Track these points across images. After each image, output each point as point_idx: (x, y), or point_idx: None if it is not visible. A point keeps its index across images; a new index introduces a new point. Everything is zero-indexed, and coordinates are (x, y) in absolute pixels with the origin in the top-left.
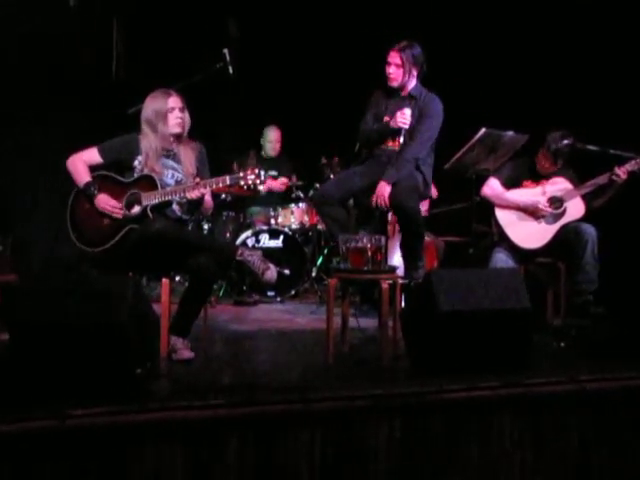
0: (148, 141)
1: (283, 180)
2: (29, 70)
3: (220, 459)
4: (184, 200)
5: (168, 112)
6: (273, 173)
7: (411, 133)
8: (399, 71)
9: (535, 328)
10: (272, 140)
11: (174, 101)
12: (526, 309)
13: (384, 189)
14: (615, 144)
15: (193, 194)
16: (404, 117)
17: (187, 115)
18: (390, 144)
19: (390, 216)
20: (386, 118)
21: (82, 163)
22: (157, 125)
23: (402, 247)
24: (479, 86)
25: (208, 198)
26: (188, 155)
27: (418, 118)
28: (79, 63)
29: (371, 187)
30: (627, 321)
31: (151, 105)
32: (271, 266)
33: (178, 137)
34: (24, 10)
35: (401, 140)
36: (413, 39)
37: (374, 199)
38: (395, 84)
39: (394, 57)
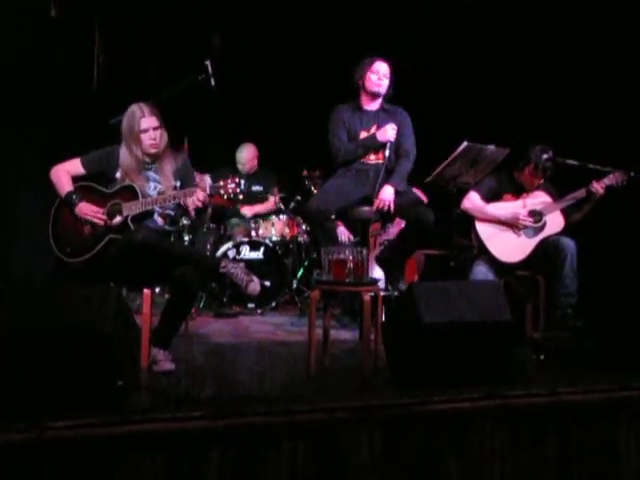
0: (126, 155)
1: (271, 201)
2: (9, 80)
3: (202, 471)
4: (166, 212)
5: (141, 134)
6: (258, 188)
7: (396, 147)
8: (387, 82)
9: (515, 341)
10: (240, 161)
11: (147, 122)
12: (507, 322)
13: (390, 193)
14: (593, 158)
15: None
16: (394, 131)
17: (162, 132)
18: (374, 158)
19: (371, 229)
20: (364, 133)
21: (65, 174)
22: (131, 144)
23: (393, 258)
24: (460, 99)
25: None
26: (168, 167)
27: (400, 133)
28: (60, 73)
29: (363, 200)
30: (606, 334)
31: (125, 123)
32: (254, 278)
33: (155, 154)
34: (4, 20)
35: (387, 153)
36: (396, 52)
37: (378, 203)
38: (382, 92)
39: (386, 68)
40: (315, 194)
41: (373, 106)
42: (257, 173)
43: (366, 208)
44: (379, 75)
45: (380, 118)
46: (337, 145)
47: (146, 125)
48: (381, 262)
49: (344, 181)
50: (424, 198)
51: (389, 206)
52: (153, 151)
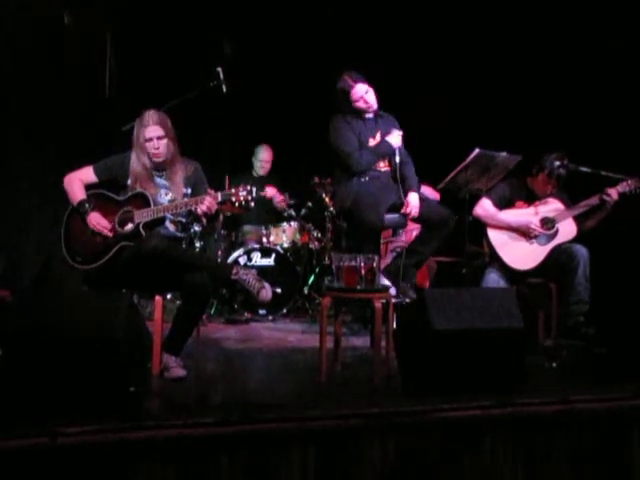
0: (136, 163)
1: (282, 198)
2: (23, 87)
3: (212, 477)
4: (178, 219)
5: (145, 143)
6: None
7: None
8: (373, 96)
9: (527, 348)
10: (262, 159)
11: (150, 131)
12: (519, 329)
13: (417, 199)
14: (606, 165)
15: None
16: (400, 137)
17: (167, 141)
18: (382, 165)
19: (382, 236)
20: (371, 139)
21: (78, 181)
22: (139, 152)
23: (412, 260)
24: (473, 107)
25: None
26: (178, 174)
27: None
28: (73, 80)
29: (391, 208)
30: (618, 342)
31: (134, 131)
32: (266, 285)
33: (161, 163)
34: (17, 27)
35: (397, 159)
36: (409, 61)
37: (410, 210)
38: (375, 107)
39: (362, 87)
40: (363, 207)
41: (370, 114)
42: (270, 177)
43: (396, 215)
44: (362, 98)
45: (381, 125)
46: (354, 154)
47: (149, 135)
48: (389, 274)
49: (371, 191)
50: (437, 195)
51: (417, 212)
52: (156, 160)
